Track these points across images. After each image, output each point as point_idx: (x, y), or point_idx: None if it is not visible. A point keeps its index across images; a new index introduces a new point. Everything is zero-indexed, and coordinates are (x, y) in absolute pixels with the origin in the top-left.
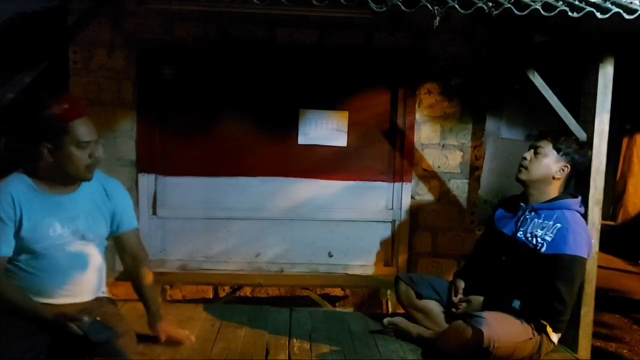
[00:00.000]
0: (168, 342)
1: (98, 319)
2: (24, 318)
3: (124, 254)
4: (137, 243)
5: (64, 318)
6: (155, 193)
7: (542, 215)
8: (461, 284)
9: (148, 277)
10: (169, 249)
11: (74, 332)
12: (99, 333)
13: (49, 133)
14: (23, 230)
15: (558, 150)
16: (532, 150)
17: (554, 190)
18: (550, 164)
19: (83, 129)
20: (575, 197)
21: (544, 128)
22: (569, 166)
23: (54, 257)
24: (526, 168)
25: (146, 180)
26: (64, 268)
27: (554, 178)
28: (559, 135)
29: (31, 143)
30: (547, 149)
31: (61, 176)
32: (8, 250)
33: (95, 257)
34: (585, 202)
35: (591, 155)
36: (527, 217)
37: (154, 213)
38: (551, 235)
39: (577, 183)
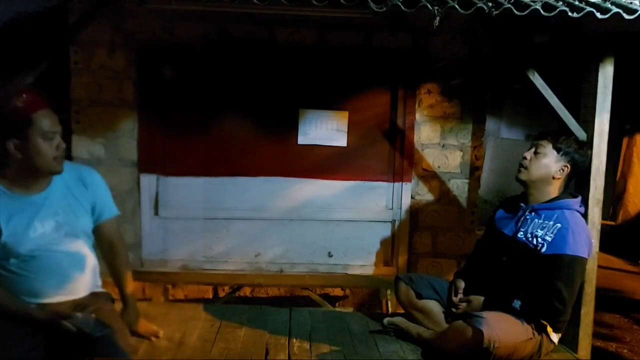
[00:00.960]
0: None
1: (93, 315)
2: (16, 321)
3: (101, 243)
4: (115, 232)
5: (57, 316)
6: (157, 193)
7: (542, 216)
8: (461, 284)
9: (128, 282)
10: (171, 249)
11: (68, 329)
12: (93, 328)
13: (14, 128)
14: (2, 236)
15: (558, 150)
16: (532, 150)
17: (554, 190)
18: (550, 163)
19: (47, 120)
20: (575, 197)
21: (544, 128)
22: (569, 166)
23: (46, 257)
24: (526, 168)
25: (148, 181)
26: (61, 269)
27: (554, 178)
28: (559, 135)
29: None
30: (547, 148)
31: (32, 174)
32: None
33: (90, 255)
34: (585, 202)
35: (591, 155)
36: (528, 217)
37: (156, 213)
38: (551, 235)
39: (577, 183)
